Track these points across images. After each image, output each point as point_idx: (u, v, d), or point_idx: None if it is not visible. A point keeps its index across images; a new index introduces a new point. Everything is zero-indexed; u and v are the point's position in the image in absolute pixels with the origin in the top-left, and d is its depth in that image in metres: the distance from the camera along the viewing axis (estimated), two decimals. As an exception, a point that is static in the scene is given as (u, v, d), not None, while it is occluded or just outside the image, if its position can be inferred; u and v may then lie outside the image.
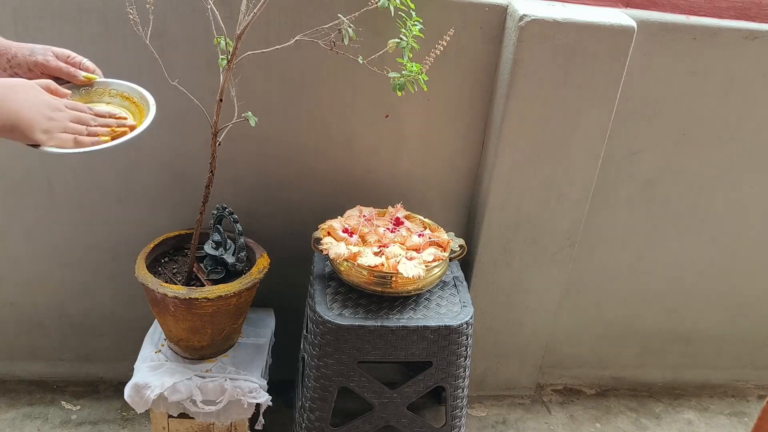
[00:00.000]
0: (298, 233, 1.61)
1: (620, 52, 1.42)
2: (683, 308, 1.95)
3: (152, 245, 1.46)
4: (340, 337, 1.28)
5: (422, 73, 1.26)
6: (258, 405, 1.44)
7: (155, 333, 1.52)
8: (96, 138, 0.95)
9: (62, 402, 1.73)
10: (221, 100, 1.25)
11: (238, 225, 1.41)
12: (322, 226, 1.41)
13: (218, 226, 1.46)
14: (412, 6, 1.27)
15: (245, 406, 1.42)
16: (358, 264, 1.31)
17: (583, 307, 1.89)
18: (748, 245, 1.85)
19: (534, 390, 1.94)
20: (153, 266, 1.44)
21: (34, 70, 1.03)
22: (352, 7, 1.26)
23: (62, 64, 1.05)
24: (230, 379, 1.42)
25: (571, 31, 1.39)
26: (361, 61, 1.29)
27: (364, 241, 1.39)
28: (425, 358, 1.33)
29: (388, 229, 1.43)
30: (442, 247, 1.40)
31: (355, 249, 1.34)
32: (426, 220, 1.49)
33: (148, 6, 1.21)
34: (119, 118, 1.03)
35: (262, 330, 1.57)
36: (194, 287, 1.35)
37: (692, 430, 1.89)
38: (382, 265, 1.31)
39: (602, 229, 1.76)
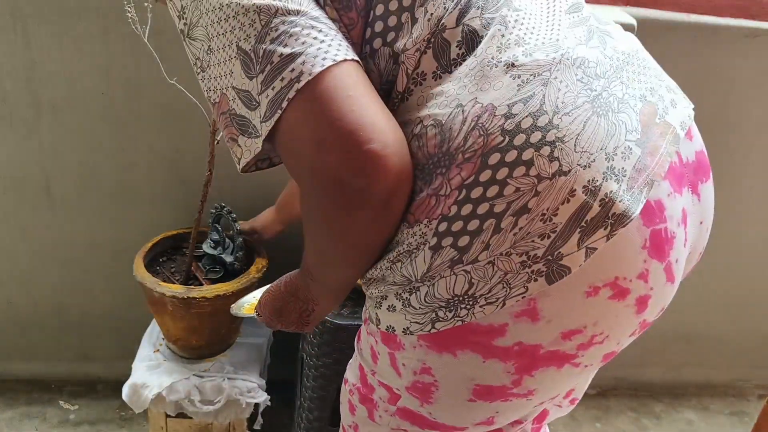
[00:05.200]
0: (297, 232, 1.59)
1: (620, 51, 1.41)
2: (683, 308, 1.94)
3: (150, 244, 1.46)
4: (339, 337, 1.28)
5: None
6: (256, 404, 1.44)
7: (153, 332, 1.52)
8: None
9: (60, 401, 1.73)
10: (219, 98, 1.24)
11: (237, 224, 1.40)
12: (321, 225, 1.41)
13: (216, 225, 1.46)
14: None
15: (243, 406, 1.41)
16: (356, 263, 1.30)
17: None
18: (748, 245, 1.84)
19: (534, 390, 1.94)
20: (151, 265, 1.44)
21: None
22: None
23: None
24: (228, 378, 1.41)
25: (571, 30, 1.38)
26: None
27: (363, 240, 1.38)
28: (424, 357, 1.33)
29: (387, 228, 1.42)
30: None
31: (353, 248, 1.33)
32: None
33: (146, 5, 1.20)
34: None
35: (261, 329, 1.57)
36: (192, 286, 1.35)
37: (692, 430, 1.88)
38: (381, 264, 1.30)
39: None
